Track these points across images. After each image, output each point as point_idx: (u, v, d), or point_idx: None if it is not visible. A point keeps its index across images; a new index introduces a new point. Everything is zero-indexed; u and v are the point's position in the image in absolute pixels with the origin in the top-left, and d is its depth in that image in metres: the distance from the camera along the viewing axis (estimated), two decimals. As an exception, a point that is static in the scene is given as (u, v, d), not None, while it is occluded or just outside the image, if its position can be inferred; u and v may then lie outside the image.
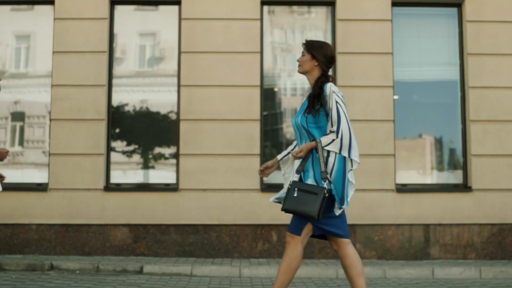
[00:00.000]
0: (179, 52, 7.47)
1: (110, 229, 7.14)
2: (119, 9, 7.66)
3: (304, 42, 3.64)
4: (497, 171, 7.29)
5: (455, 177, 7.58)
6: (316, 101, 3.45)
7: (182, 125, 7.29)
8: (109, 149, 7.41)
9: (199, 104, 7.31)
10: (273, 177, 7.47)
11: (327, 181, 3.34)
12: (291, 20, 7.88)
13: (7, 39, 7.65)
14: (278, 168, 3.79)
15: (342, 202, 3.36)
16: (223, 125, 7.28)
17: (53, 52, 7.37)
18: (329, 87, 3.43)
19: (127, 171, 7.53)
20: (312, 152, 3.44)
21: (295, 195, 3.33)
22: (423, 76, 7.78)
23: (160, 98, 7.58)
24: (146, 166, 7.53)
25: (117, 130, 7.60)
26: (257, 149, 7.23)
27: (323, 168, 3.35)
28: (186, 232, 7.14)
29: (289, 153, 3.72)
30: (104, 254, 7.10)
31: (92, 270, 6.29)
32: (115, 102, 7.53)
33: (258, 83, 7.39)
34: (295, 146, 3.74)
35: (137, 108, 7.62)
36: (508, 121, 7.37)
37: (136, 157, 7.58)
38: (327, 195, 3.29)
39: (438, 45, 7.75)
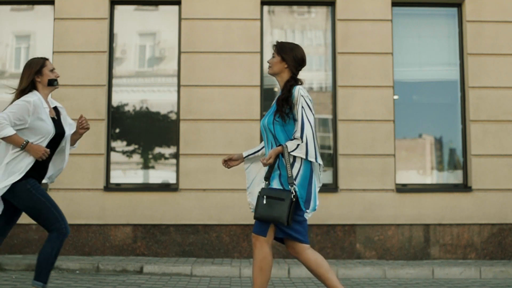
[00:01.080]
0: (179, 52, 7.47)
1: (110, 229, 7.14)
2: (119, 9, 7.67)
3: (275, 43, 3.64)
4: (497, 171, 7.29)
5: (455, 177, 7.58)
6: (285, 104, 3.44)
7: (182, 125, 7.29)
8: (109, 149, 7.41)
9: (199, 104, 7.31)
10: (273, 177, 7.50)
11: (293, 185, 3.36)
12: (291, 20, 7.88)
13: (7, 39, 7.65)
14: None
15: (307, 205, 3.40)
16: (223, 125, 7.29)
17: (53, 52, 7.37)
18: (297, 90, 3.43)
19: (127, 171, 7.53)
20: (278, 156, 3.46)
21: (264, 202, 3.36)
22: (423, 76, 7.78)
23: (160, 98, 7.58)
24: (146, 166, 7.53)
25: (117, 130, 7.60)
26: (257, 149, 7.22)
27: (289, 173, 3.37)
28: (186, 232, 7.14)
29: (255, 152, 3.77)
30: (104, 254, 7.10)
31: (92, 270, 6.29)
32: (115, 102, 7.54)
33: (258, 83, 7.39)
34: (262, 147, 3.75)
35: (137, 108, 7.62)
36: (508, 121, 7.37)
37: (136, 157, 7.58)
38: (294, 199, 3.32)
39: (438, 45, 7.75)
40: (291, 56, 3.53)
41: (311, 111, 3.41)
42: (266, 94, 7.60)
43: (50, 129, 3.85)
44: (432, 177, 7.67)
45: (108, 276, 6.05)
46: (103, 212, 7.13)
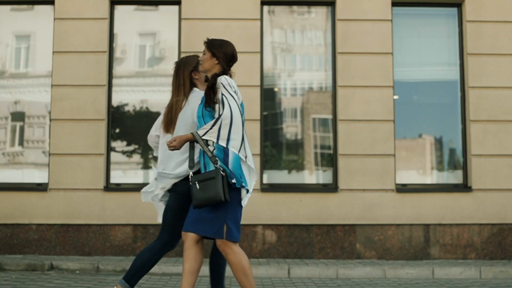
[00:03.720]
0: (179, 52, 7.46)
1: (110, 229, 7.14)
2: (119, 9, 7.67)
3: (205, 40, 3.68)
4: (497, 171, 7.29)
5: (455, 177, 7.58)
6: (211, 94, 3.48)
7: (182, 125, 7.28)
8: (109, 149, 7.41)
9: (199, 104, 7.30)
10: (274, 178, 7.51)
11: (217, 163, 3.36)
12: (291, 20, 7.88)
13: (7, 39, 7.65)
14: None
15: (238, 182, 3.36)
16: (223, 125, 7.27)
17: (53, 52, 7.37)
18: (219, 79, 3.47)
19: (127, 171, 7.53)
20: (185, 143, 3.51)
21: (198, 187, 3.36)
22: (423, 76, 7.78)
23: (160, 98, 7.57)
24: (146, 166, 7.53)
25: (117, 130, 7.60)
26: (257, 149, 7.22)
27: (209, 154, 3.39)
28: (186, 232, 7.12)
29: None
30: (104, 254, 7.10)
31: (92, 270, 6.29)
32: (115, 102, 7.54)
33: (258, 83, 7.39)
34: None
35: (137, 108, 7.62)
36: (508, 121, 7.38)
37: (136, 157, 7.58)
38: (223, 174, 3.32)
39: (438, 45, 7.75)
40: (221, 52, 3.60)
41: (233, 98, 3.41)
42: (266, 94, 7.60)
43: None
44: (432, 177, 7.67)
45: (108, 276, 6.05)
46: (103, 212, 7.13)
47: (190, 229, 3.48)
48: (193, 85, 3.85)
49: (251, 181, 3.49)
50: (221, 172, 3.32)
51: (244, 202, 3.47)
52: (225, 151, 3.38)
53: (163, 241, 3.75)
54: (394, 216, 7.21)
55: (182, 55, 7.36)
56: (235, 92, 3.45)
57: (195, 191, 3.38)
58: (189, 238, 3.49)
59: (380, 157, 7.27)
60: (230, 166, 3.37)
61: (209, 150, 3.40)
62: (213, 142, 3.38)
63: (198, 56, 3.92)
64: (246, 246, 7.12)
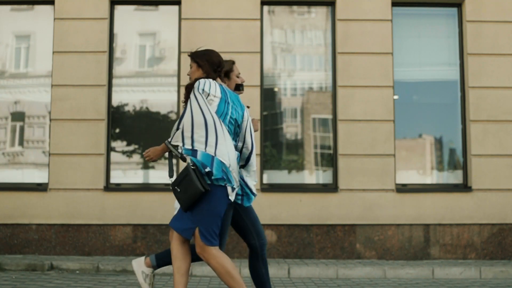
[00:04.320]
0: (179, 52, 7.46)
1: (110, 229, 7.14)
2: (119, 9, 7.67)
3: (188, 54, 3.73)
4: (497, 171, 7.29)
5: (455, 177, 7.58)
6: (186, 94, 3.56)
7: (182, 125, 7.28)
8: (109, 149, 7.41)
9: (199, 104, 7.30)
10: (274, 177, 7.51)
11: (186, 159, 3.42)
12: (291, 20, 7.88)
13: (7, 39, 7.65)
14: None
15: (210, 172, 3.34)
16: (223, 125, 7.27)
17: (53, 52, 7.37)
18: (197, 82, 3.50)
19: (127, 171, 7.53)
20: (161, 155, 3.64)
21: (179, 190, 3.39)
22: (423, 76, 7.78)
23: (160, 98, 7.58)
24: (146, 166, 7.53)
25: (117, 130, 7.60)
26: (257, 149, 7.22)
27: (179, 154, 3.48)
28: (186, 232, 7.12)
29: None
30: (104, 254, 7.10)
31: (92, 270, 6.29)
32: (115, 102, 7.54)
33: (258, 83, 7.39)
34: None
35: (137, 108, 7.62)
36: (508, 121, 7.38)
37: (136, 157, 7.58)
38: (193, 166, 3.35)
39: (438, 45, 7.75)
40: (204, 60, 3.62)
41: (196, 99, 3.42)
42: (266, 94, 7.60)
43: None
44: (432, 177, 7.67)
45: (108, 276, 6.05)
46: (103, 212, 7.13)
47: (170, 223, 3.54)
48: None
49: (231, 176, 3.42)
50: (191, 166, 3.35)
51: (231, 197, 3.45)
52: (192, 150, 3.41)
53: (250, 246, 3.84)
54: (394, 216, 7.21)
55: (182, 55, 7.37)
56: (203, 91, 3.44)
57: (178, 195, 3.41)
58: (174, 237, 3.52)
59: (380, 157, 7.27)
60: (199, 157, 3.37)
61: (179, 153, 3.47)
62: (181, 146, 3.45)
63: (233, 62, 3.96)
64: (246, 246, 7.10)
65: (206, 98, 3.44)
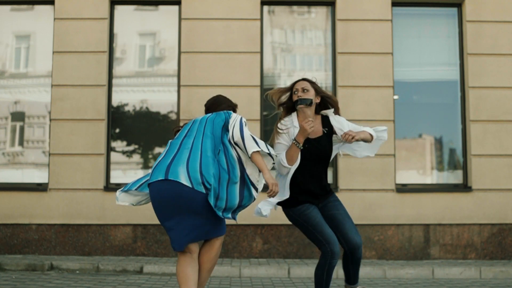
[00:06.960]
0: (179, 52, 7.47)
1: (110, 229, 7.14)
2: (119, 9, 7.67)
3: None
4: (497, 171, 7.29)
5: (455, 177, 7.58)
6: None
7: (182, 125, 7.28)
8: (109, 149, 7.41)
9: (199, 104, 7.28)
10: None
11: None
12: (291, 20, 7.88)
13: (7, 39, 7.65)
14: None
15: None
16: (223, 125, 7.27)
17: (53, 52, 7.37)
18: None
19: (127, 171, 7.52)
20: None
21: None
22: (423, 76, 7.78)
23: (160, 98, 7.58)
24: (146, 166, 7.52)
25: (117, 130, 7.60)
26: (257, 149, 7.22)
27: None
28: (186, 232, 7.12)
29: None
30: (104, 254, 7.10)
31: (92, 270, 6.29)
32: (115, 102, 7.54)
33: (258, 83, 7.39)
34: None
35: (137, 108, 7.62)
36: (508, 121, 7.38)
37: (136, 157, 7.58)
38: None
39: (438, 45, 7.75)
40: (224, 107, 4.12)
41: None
42: (266, 94, 7.59)
43: None
44: (432, 177, 7.67)
45: (108, 276, 6.05)
46: (103, 212, 7.13)
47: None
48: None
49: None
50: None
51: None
52: None
53: (322, 253, 3.91)
54: (394, 216, 7.21)
55: (182, 55, 7.37)
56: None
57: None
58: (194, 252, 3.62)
59: (380, 157, 7.27)
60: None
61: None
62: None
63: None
64: (246, 246, 7.12)
65: None
